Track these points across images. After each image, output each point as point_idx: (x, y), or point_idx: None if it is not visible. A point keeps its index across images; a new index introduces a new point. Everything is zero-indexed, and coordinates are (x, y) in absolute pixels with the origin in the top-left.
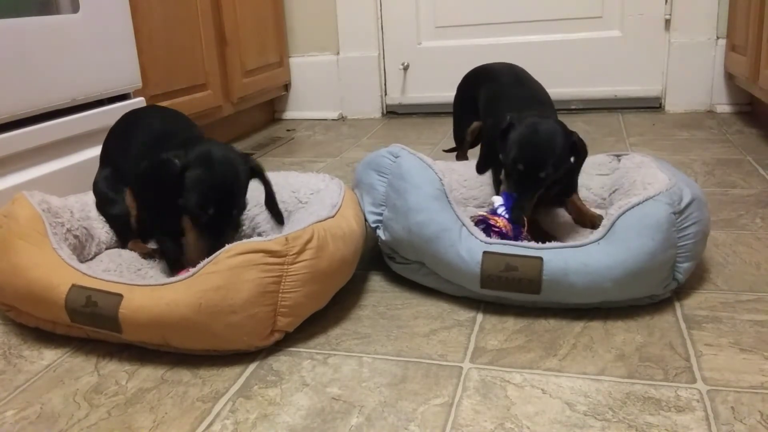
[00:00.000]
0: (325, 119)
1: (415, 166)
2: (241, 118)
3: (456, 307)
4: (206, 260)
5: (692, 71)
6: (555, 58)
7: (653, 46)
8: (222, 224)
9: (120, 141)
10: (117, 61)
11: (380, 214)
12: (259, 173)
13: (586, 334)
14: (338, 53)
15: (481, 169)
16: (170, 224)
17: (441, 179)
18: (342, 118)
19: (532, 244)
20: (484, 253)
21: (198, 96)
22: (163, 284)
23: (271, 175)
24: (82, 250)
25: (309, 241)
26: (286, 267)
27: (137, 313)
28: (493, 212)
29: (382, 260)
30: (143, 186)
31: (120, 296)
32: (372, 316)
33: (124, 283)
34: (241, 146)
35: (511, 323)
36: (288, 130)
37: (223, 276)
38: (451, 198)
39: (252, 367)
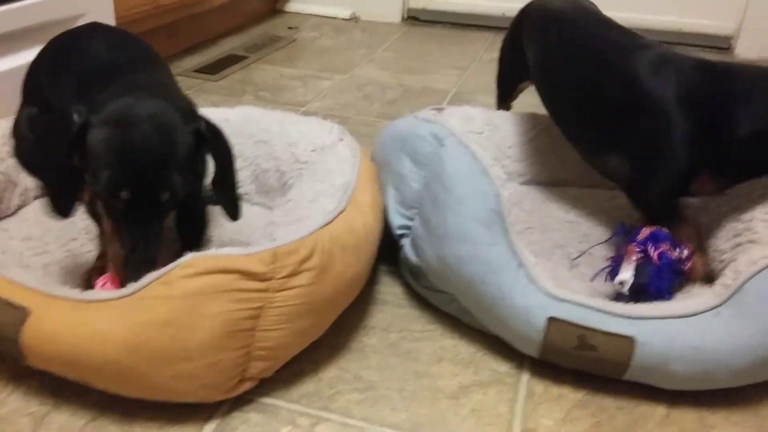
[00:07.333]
0: (335, 17)
1: (464, 169)
2: (236, 6)
3: (492, 344)
4: (154, 274)
5: None
6: None
7: None
8: (149, 213)
9: (51, 71)
10: None
11: (410, 219)
12: (209, 140)
13: (673, 422)
14: None
15: None
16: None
17: (498, 193)
18: (355, 19)
19: (624, 310)
20: (550, 319)
21: None
22: (89, 300)
23: (262, 115)
24: (0, 203)
25: (307, 258)
26: (270, 295)
27: (46, 343)
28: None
29: (395, 252)
30: (37, 143)
31: (24, 311)
32: (380, 347)
33: (36, 290)
34: (234, 43)
35: (569, 386)
36: (290, 28)
37: (176, 306)
38: (509, 223)
39: (209, 428)
